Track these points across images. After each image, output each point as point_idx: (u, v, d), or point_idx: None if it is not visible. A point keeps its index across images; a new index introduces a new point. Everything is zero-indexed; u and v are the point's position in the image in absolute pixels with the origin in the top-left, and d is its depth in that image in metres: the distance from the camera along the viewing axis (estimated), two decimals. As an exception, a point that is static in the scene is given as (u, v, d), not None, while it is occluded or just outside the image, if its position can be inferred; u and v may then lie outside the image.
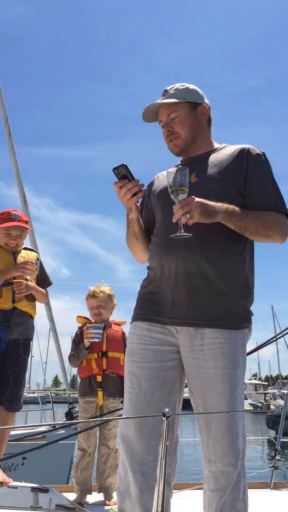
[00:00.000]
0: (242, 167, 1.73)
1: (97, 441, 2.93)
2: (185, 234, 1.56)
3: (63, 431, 5.10)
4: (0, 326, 2.82)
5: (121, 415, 2.54)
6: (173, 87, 1.82)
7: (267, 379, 65.02)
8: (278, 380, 46.43)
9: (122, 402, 2.92)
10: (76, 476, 2.84)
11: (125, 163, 1.63)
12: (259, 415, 25.55)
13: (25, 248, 3.07)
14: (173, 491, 1.72)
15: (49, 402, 8.40)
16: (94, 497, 2.85)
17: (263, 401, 34.77)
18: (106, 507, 2.71)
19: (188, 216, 1.54)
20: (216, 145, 1.88)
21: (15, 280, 2.86)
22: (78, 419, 3.25)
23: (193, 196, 1.56)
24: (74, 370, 3.17)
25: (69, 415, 5.57)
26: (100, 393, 2.92)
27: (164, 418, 1.12)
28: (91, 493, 2.85)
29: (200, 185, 1.70)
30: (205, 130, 1.85)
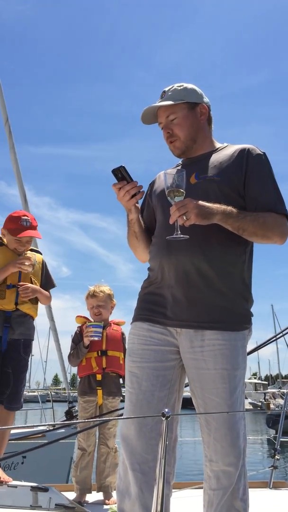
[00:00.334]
0: (242, 167, 1.73)
1: (97, 440, 2.94)
2: (181, 236, 1.56)
3: (63, 430, 5.10)
4: (1, 327, 2.83)
5: (121, 415, 2.54)
6: (171, 88, 1.80)
7: (267, 378, 65.07)
8: (278, 380, 46.43)
9: (122, 401, 2.94)
10: (76, 476, 2.84)
11: (123, 165, 1.64)
12: (258, 415, 25.55)
13: (32, 250, 3.08)
14: (173, 490, 1.72)
15: (49, 401, 8.41)
16: (93, 496, 2.85)
17: (263, 400, 34.75)
18: (105, 507, 2.71)
19: (184, 218, 1.54)
20: (217, 144, 1.87)
21: (21, 283, 2.86)
22: (78, 419, 3.24)
23: (189, 198, 1.56)
24: (74, 369, 3.18)
25: (69, 414, 5.57)
26: (99, 392, 2.92)
27: (163, 419, 1.12)
28: (90, 492, 2.86)
29: (199, 186, 1.70)
30: (205, 130, 1.85)
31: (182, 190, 1.57)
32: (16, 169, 6.32)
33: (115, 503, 2.64)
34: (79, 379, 3.06)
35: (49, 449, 4.15)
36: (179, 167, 1.85)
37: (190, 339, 1.65)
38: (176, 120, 1.78)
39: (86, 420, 2.92)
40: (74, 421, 4.38)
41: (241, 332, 1.67)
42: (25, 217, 2.91)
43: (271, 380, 58.83)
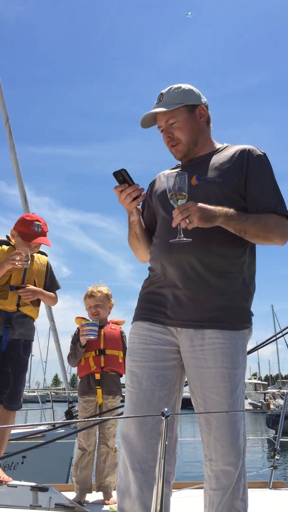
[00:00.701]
0: (243, 168, 1.73)
1: (97, 440, 2.94)
2: (184, 239, 1.56)
3: (63, 430, 5.10)
4: (2, 327, 2.83)
5: (121, 414, 2.54)
6: (169, 90, 1.79)
7: (266, 378, 65.05)
8: (278, 380, 46.40)
9: (122, 401, 2.94)
10: (76, 475, 2.84)
11: (124, 168, 1.64)
12: (258, 415, 25.56)
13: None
14: (173, 490, 1.73)
15: (49, 401, 8.41)
16: (93, 496, 2.85)
17: (263, 400, 34.75)
18: (105, 506, 2.71)
19: (187, 221, 1.54)
20: (217, 145, 1.87)
21: (22, 286, 2.86)
22: (78, 419, 3.25)
23: (192, 201, 1.56)
24: (74, 370, 3.18)
25: (69, 414, 5.57)
26: (99, 391, 2.93)
27: (163, 418, 1.12)
28: (91, 492, 2.86)
29: (200, 188, 1.69)
30: (205, 131, 1.85)
31: (184, 193, 1.57)
32: (16, 169, 6.32)
33: (115, 503, 2.65)
34: (79, 380, 3.06)
35: (49, 449, 4.16)
36: (179, 169, 1.85)
37: (190, 338, 1.65)
38: (176, 124, 1.77)
39: (86, 419, 2.92)
40: (74, 420, 4.38)
41: (241, 331, 1.68)
42: (38, 222, 2.91)
43: (271, 380, 58.81)
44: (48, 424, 5.52)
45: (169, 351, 1.69)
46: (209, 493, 1.61)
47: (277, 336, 3.73)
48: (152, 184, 1.96)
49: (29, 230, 2.88)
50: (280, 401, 28.15)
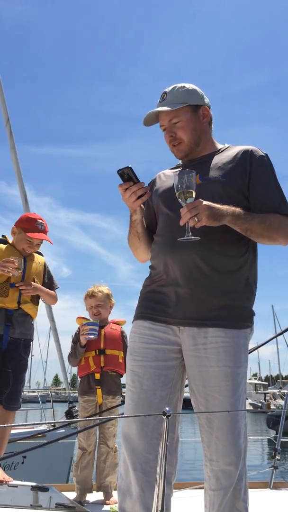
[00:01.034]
0: (246, 169, 1.73)
1: (97, 440, 2.94)
2: (193, 237, 1.56)
3: (63, 430, 5.11)
4: (2, 325, 2.83)
5: (122, 414, 2.54)
6: (172, 89, 1.79)
7: (267, 379, 65.02)
8: (278, 380, 46.39)
9: (122, 401, 2.94)
10: (77, 475, 2.84)
11: (130, 166, 1.61)
12: (259, 415, 25.55)
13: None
14: (173, 490, 1.72)
15: (49, 401, 8.41)
16: (94, 496, 2.85)
17: (263, 401, 34.74)
18: (105, 506, 2.71)
19: (196, 219, 1.54)
20: (218, 145, 1.87)
21: (23, 283, 2.86)
22: (78, 419, 3.25)
23: (200, 200, 1.56)
24: (74, 369, 3.18)
25: (69, 414, 5.58)
26: (99, 391, 2.92)
27: (164, 417, 1.12)
28: (91, 492, 2.86)
29: (204, 187, 1.69)
30: (207, 132, 1.85)
31: (192, 191, 1.57)
32: (17, 169, 6.33)
33: (115, 503, 2.66)
34: (79, 380, 3.06)
35: (49, 449, 4.15)
36: (180, 168, 1.85)
37: (193, 337, 1.65)
38: (180, 124, 1.77)
39: (86, 419, 2.92)
40: (75, 420, 4.38)
41: (244, 330, 1.68)
42: (41, 221, 2.97)
43: (272, 380, 58.79)
44: (48, 423, 5.53)
45: (171, 350, 1.69)
46: (209, 494, 1.61)
47: (277, 335, 3.74)
48: (152, 183, 1.95)
49: (33, 226, 2.92)
50: (281, 402, 28.14)
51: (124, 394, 2.17)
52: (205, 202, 1.55)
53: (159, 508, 1.10)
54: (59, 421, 5.68)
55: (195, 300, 1.66)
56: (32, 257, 3.02)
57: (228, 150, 1.82)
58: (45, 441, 4.37)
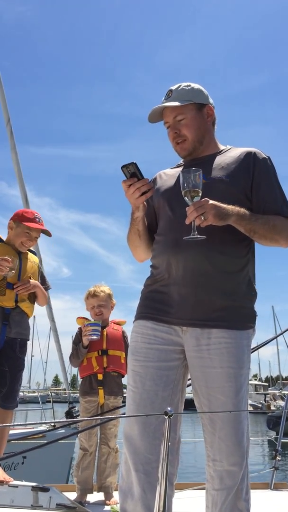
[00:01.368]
0: (249, 170, 1.74)
1: (98, 440, 2.93)
2: (199, 236, 1.55)
3: (63, 430, 5.10)
4: (0, 324, 2.83)
5: (123, 414, 2.54)
6: (178, 87, 1.80)
7: (267, 379, 65.02)
8: (279, 381, 46.35)
9: (123, 402, 2.94)
10: (77, 476, 2.84)
11: (134, 161, 1.60)
12: (259, 416, 25.54)
13: (28, 250, 3.07)
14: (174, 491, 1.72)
15: (49, 401, 8.42)
16: (94, 497, 2.85)
17: (263, 401, 34.74)
18: (106, 507, 2.70)
19: (202, 218, 1.54)
20: (221, 146, 1.88)
21: (21, 282, 2.86)
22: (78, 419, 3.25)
23: (207, 199, 1.56)
24: (74, 370, 3.20)
25: (69, 414, 5.57)
26: (101, 392, 2.92)
27: (166, 417, 1.12)
28: (92, 492, 2.85)
29: (208, 187, 1.68)
30: (211, 131, 1.86)
31: (199, 190, 1.56)
32: (17, 170, 6.33)
33: (116, 503, 2.65)
34: (80, 380, 3.06)
35: (49, 449, 4.15)
36: (181, 167, 1.85)
37: (196, 337, 1.64)
38: (184, 121, 1.77)
39: (87, 419, 2.92)
40: (76, 420, 4.38)
41: (246, 331, 1.68)
42: (38, 215, 3.00)
43: (272, 381, 58.80)
44: (48, 423, 5.52)
45: (173, 351, 1.69)
46: (212, 494, 1.60)
47: (277, 336, 3.75)
48: (152, 182, 1.95)
49: (31, 218, 2.94)
50: (281, 402, 28.16)
51: (125, 395, 2.17)
52: (211, 201, 1.55)
53: (161, 509, 1.09)
54: (59, 421, 5.67)
55: (198, 300, 1.66)
56: (27, 256, 3.01)
57: (230, 151, 1.82)
58: (45, 441, 4.37)
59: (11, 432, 4.09)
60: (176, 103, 1.75)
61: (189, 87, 1.79)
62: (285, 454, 9.67)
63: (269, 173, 1.76)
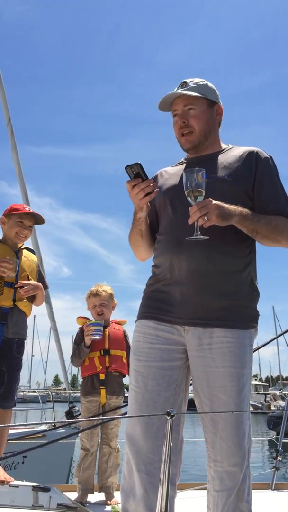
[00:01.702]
0: (251, 169, 1.74)
1: (99, 440, 2.93)
2: (201, 236, 1.55)
3: (63, 430, 5.10)
4: None
5: (125, 414, 2.53)
6: (193, 80, 1.80)
7: (267, 380, 64.98)
8: (279, 381, 46.33)
9: (124, 401, 2.93)
10: (79, 476, 2.83)
11: (139, 162, 1.59)
12: (259, 416, 25.53)
13: (27, 248, 3.06)
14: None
15: (49, 401, 8.41)
16: (95, 497, 2.85)
17: (264, 402, 34.72)
18: (107, 507, 2.70)
19: (205, 218, 1.53)
20: (223, 146, 1.87)
21: (16, 282, 2.85)
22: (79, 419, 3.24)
23: (210, 199, 1.55)
24: (75, 370, 3.22)
25: (69, 414, 5.57)
26: (103, 391, 2.91)
27: (168, 417, 1.11)
28: (93, 493, 2.85)
29: (210, 186, 1.67)
30: (217, 130, 1.86)
31: (202, 190, 1.55)
32: (18, 169, 6.34)
33: (117, 503, 2.65)
34: (80, 380, 3.05)
35: (49, 449, 4.15)
36: (182, 165, 1.85)
37: (198, 337, 1.64)
38: (194, 112, 1.77)
39: (87, 419, 2.91)
40: (75, 420, 4.38)
41: (249, 331, 1.67)
42: (28, 207, 3.07)
43: (272, 381, 58.78)
44: (49, 423, 5.52)
45: (175, 351, 1.68)
46: (213, 495, 1.60)
47: (277, 336, 3.75)
48: (153, 180, 1.94)
49: (21, 209, 2.98)
50: (281, 403, 28.13)
51: (126, 395, 2.16)
52: (215, 201, 1.55)
53: (163, 510, 1.09)
54: (60, 421, 5.67)
55: (200, 300, 1.65)
56: (25, 254, 2.99)
57: (232, 150, 1.82)
58: (45, 441, 4.37)
59: (11, 431, 4.09)
60: (191, 93, 1.75)
61: (203, 83, 1.81)
62: (286, 454, 9.67)
63: (271, 172, 1.76)
